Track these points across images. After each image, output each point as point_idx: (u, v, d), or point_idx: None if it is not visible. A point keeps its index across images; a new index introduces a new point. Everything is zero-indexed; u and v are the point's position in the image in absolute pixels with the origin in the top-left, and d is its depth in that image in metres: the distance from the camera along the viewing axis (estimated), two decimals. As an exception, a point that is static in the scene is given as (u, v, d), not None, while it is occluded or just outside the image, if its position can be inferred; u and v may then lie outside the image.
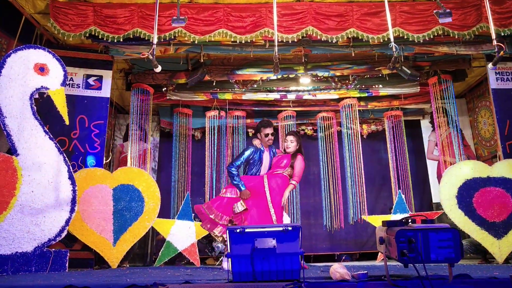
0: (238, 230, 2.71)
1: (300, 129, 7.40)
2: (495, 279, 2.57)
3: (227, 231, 2.74)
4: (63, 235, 4.09)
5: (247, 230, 2.72)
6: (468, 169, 4.77)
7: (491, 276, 2.66)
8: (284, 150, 4.65)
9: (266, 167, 4.61)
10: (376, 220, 5.50)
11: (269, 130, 4.57)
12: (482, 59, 5.64)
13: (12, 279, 3.15)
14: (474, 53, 5.33)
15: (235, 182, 4.40)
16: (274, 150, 4.72)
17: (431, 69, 5.98)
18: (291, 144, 4.56)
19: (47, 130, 4.19)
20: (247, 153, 4.54)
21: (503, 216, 4.56)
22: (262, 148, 4.58)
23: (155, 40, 4.44)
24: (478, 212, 4.62)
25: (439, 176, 5.81)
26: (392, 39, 4.35)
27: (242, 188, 4.37)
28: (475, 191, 4.68)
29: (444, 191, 4.77)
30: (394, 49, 4.24)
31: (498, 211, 4.58)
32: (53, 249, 4.04)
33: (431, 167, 6.78)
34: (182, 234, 5.10)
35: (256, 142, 4.62)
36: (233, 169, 4.44)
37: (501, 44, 4.27)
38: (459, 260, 2.30)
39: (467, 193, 4.68)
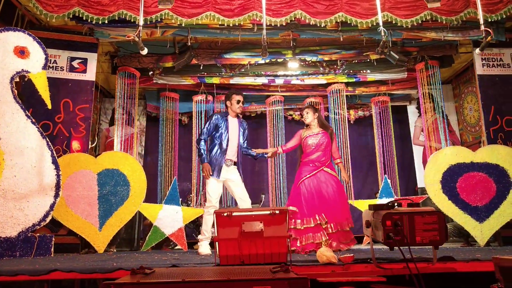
0: (225, 214, 2.71)
1: (288, 114, 7.40)
2: (477, 261, 2.63)
3: (214, 215, 2.73)
4: (48, 220, 4.05)
5: (234, 213, 2.71)
6: (452, 155, 4.84)
7: (473, 258, 2.72)
8: (306, 124, 4.69)
9: (234, 136, 4.41)
10: (362, 205, 5.55)
11: (240, 98, 4.47)
12: (469, 45, 5.67)
13: (-4, 264, 3.10)
14: (461, 38, 5.35)
15: (201, 157, 4.25)
16: (244, 124, 4.56)
17: (418, 55, 5.99)
18: (306, 115, 4.65)
19: (29, 114, 4.10)
20: (213, 119, 4.36)
21: (485, 200, 4.66)
22: (226, 116, 4.45)
23: (141, 22, 4.34)
24: (461, 196, 4.71)
25: (424, 162, 5.88)
26: (381, 23, 4.33)
27: (205, 161, 4.24)
28: (458, 176, 4.76)
29: (429, 176, 4.83)
30: (382, 33, 4.22)
31: (481, 195, 4.67)
32: (38, 234, 3.99)
33: (417, 152, 6.86)
34: (170, 218, 5.08)
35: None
36: (199, 142, 4.31)
37: (488, 29, 4.30)
38: (443, 242, 2.34)
39: (451, 178, 4.75)
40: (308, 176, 4.42)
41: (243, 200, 4.29)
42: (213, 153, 4.33)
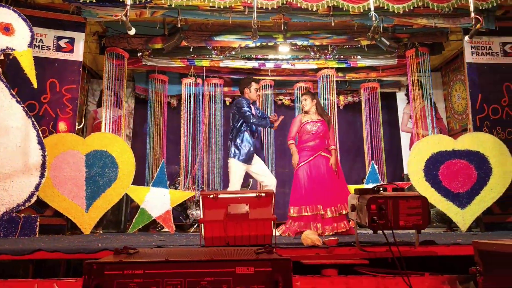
0: (211, 196, 2.71)
1: (278, 98, 7.38)
2: (458, 245, 2.68)
3: (200, 197, 2.74)
4: (33, 200, 4.01)
5: (220, 196, 2.72)
6: (434, 143, 4.90)
7: (454, 242, 2.77)
8: (303, 110, 4.77)
9: None
10: (350, 190, 5.60)
11: (257, 86, 4.76)
12: (459, 32, 5.68)
13: (-20, 244, 3.08)
14: (452, 26, 5.35)
15: (263, 122, 4.53)
16: (257, 106, 4.81)
17: (409, 41, 5.99)
18: (304, 102, 4.70)
19: (14, 93, 4.03)
20: (245, 103, 4.55)
21: (467, 187, 4.73)
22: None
23: (129, 1, 4.26)
24: (444, 183, 4.77)
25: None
26: (372, 8, 4.30)
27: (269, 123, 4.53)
28: (440, 164, 4.82)
29: (412, 165, 4.89)
30: (374, 18, 4.20)
31: (462, 182, 4.75)
32: (23, 215, 3.96)
33: (405, 139, 6.91)
34: (157, 201, 5.08)
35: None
36: (252, 118, 4.49)
37: (478, 17, 4.30)
38: (426, 226, 2.38)
39: (433, 166, 4.81)
40: (306, 161, 4.47)
41: (266, 177, 4.60)
42: (244, 140, 4.53)
